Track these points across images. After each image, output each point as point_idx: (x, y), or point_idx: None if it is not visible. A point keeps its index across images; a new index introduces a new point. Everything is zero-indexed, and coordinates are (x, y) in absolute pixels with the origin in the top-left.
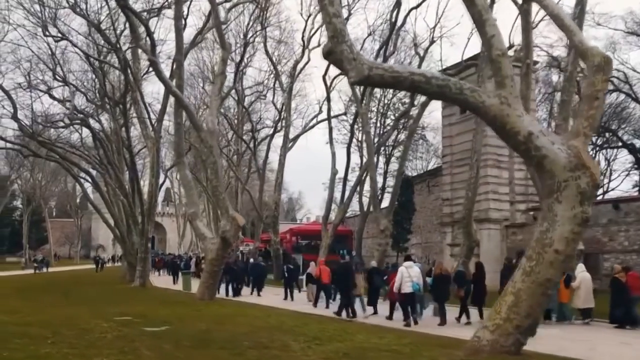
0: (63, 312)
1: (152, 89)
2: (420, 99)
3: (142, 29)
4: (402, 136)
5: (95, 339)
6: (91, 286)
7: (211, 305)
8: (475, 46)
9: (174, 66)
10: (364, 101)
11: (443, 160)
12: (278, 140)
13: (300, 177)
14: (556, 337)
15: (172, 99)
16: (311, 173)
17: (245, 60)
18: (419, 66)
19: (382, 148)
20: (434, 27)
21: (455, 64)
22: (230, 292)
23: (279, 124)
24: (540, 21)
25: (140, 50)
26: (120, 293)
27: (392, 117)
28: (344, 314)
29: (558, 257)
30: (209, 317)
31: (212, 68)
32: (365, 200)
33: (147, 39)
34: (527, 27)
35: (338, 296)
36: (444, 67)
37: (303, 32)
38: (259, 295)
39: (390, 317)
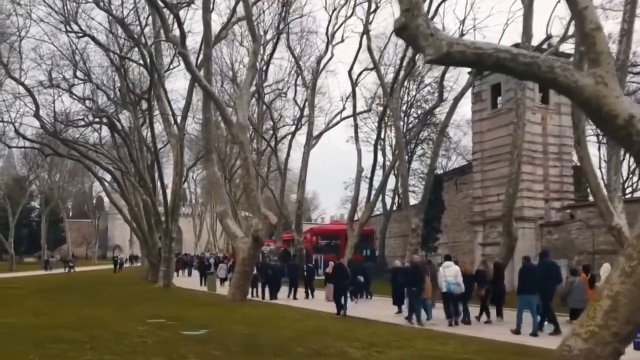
0: (92, 313)
1: (172, 87)
2: (451, 93)
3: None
4: (424, 134)
5: (135, 344)
6: (114, 287)
7: (243, 306)
8: (509, 38)
9: (198, 60)
10: (393, 95)
11: (473, 157)
12: (299, 138)
13: (315, 177)
14: None
15: (197, 95)
16: (326, 173)
17: (266, 57)
18: None
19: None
20: (464, 20)
21: None
22: (267, 294)
23: (301, 121)
24: None
25: (162, 47)
26: (146, 294)
27: (415, 115)
28: (414, 318)
29: None
30: (247, 320)
31: (231, 65)
32: (388, 199)
33: (177, 30)
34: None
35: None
36: None
37: (327, 27)
38: (295, 298)
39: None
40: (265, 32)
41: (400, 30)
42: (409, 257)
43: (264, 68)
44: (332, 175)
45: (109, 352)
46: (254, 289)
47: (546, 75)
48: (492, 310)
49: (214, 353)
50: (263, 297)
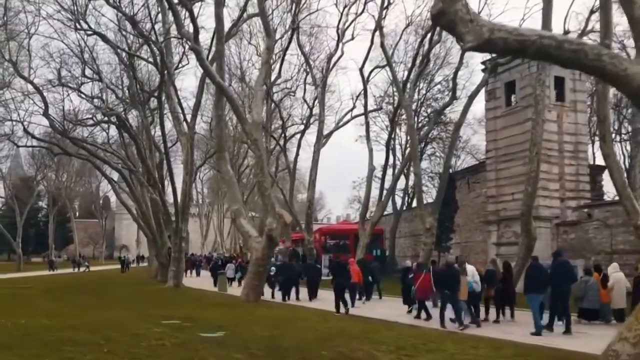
0: (105, 314)
1: (180, 86)
2: (462, 92)
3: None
4: (433, 133)
5: (154, 347)
6: (124, 286)
7: (258, 307)
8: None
9: (209, 57)
10: (406, 93)
11: (487, 155)
12: (307, 137)
13: (320, 177)
14: None
15: (206, 94)
16: (331, 173)
17: (276, 55)
18: (461, 59)
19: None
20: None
21: None
22: (280, 294)
23: (310, 120)
24: None
25: (171, 44)
26: (156, 294)
27: (424, 114)
28: (465, 319)
29: None
30: (264, 321)
31: (239, 64)
32: (397, 199)
33: (190, 26)
34: None
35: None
36: (491, 56)
37: (338, 25)
38: (314, 298)
39: (417, 316)
40: (275, 30)
41: (438, 16)
42: (424, 257)
43: (277, 65)
44: (338, 175)
45: (127, 356)
46: (272, 290)
47: (593, 64)
48: (497, 310)
49: (236, 356)
50: (283, 299)
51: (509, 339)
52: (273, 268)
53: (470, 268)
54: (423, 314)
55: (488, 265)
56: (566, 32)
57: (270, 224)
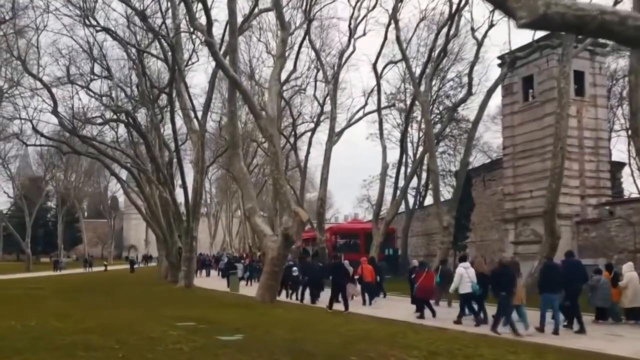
0: (117, 315)
1: (189, 83)
2: (476, 88)
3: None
4: (445, 130)
5: (171, 352)
6: (134, 287)
7: (274, 308)
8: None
9: (221, 51)
10: (423, 88)
11: (504, 152)
12: (317, 135)
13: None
14: None
15: (215, 92)
16: (338, 172)
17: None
18: (477, 53)
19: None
20: (494, 10)
21: (526, 45)
22: (304, 297)
23: (321, 118)
24: None
25: (181, 41)
26: (168, 294)
27: (437, 111)
28: (501, 328)
29: None
30: (283, 324)
31: (249, 62)
32: (409, 198)
33: (203, 19)
34: None
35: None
36: (509, 50)
37: (350, 20)
38: (339, 301)
39: (421, 316)
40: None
41: None
42: (441, 256)
43: (290, 61)
44: (346, 174)
45: None
46: (294, 292)
47: None
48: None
49: None
50: (312, 301)
51: (545, 343)
52: (295, 268)
53: (472, 270)
54: (427, 314)
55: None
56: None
57: (287, 222)
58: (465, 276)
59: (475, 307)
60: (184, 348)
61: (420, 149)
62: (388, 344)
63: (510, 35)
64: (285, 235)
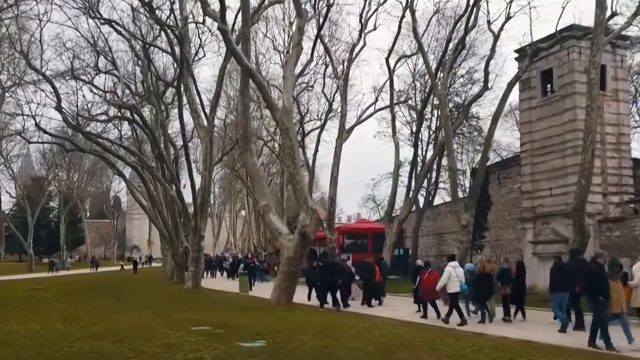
0: (127, 319)
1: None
2: (494, 82)
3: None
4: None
5: None
6: (140, 288)
7: (291, 311)
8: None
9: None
10: (439, 81)
11: (522, 148)
12: (325, 133)
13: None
14: None
15: (225, 84)
16: (343, 171)
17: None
18: (493, 47)
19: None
20: (511, 1)
21: (548, 36)
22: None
23: (329, 115)
24: None
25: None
26: (176, 296)
27: (449, 107)
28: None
29: None
30: (307, 328)
31: (255, 58)
32: (419, 197)
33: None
34: None
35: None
36: (531, 41)
37: (360, 14)
38: (373, 304)
39: (424, 316)
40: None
41: None
42: (460, 256)
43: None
44: (350, 173)
45: None
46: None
47: None
48: (508, 309)
49: None
50: (344, 305)
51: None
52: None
53: (460, 270)
54: (432, 314)
55: (502, 264)
56: (614, 14)
57: (304, 220)
58: (453, 275)
59: (475, 308)
60: (205, 356)
61: (431, 147)
62: (428, 351)
63: (531, 27)
64: (302, 234)
